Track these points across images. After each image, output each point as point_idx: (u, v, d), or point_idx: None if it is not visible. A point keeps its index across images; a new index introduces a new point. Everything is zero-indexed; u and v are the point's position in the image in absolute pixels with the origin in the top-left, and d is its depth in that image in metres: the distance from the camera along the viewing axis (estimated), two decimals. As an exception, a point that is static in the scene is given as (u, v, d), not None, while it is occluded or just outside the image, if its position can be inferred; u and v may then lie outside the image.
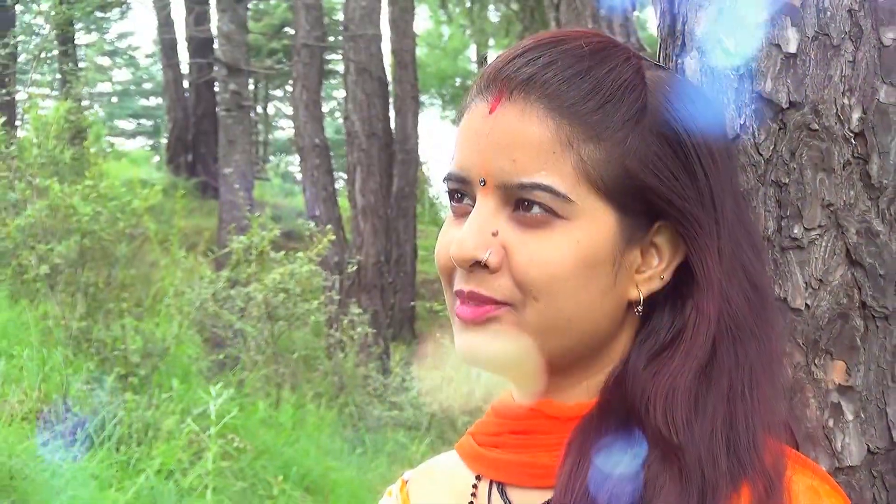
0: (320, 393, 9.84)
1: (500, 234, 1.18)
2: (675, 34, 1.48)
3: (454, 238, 1.20)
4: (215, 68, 16.06)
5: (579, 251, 1.17)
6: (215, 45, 16.15)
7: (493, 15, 21.15)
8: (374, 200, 14.86)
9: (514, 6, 17.40)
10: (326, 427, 8.94)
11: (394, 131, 16.34)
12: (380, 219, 14.93)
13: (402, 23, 17.35)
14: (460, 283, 1.20)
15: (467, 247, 1.17)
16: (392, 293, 15.50)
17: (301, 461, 7.80)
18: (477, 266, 1.18)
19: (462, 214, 1.22)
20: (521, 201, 1.17)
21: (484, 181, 1.19)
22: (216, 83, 17.16)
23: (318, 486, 7.58)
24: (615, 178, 1.18)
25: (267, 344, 9.71)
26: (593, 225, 1.18)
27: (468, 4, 18.19)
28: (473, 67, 33.41)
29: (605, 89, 1.19)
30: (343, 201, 15.72)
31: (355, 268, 13.54)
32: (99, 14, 26.75)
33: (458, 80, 33.62)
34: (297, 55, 15.51)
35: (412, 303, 16.34)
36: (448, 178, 1.25)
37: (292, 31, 17.68)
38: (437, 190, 24.63)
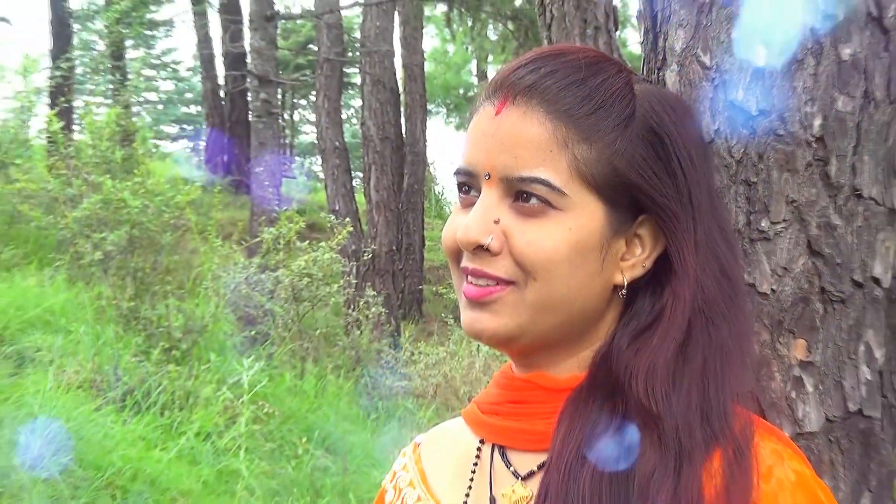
0: (339, 365, 9.84)
1: (501, 221, 1.18)
2: (657, 50, 1.49)
3: (461, 224, 1.20)
4: (248, 80, 16.00)
5: (571, 238, 1.16)
6: (248, 60, 16.08)
7: (492, 34, 21.11)
8: (387, 196, 14.82)
9: (511, 26, 17.36)
10: (344, 395, 8.94)
11: (404, 135, 16.29)
12: (391, 212, 14.89)
13: (412, 40, 17.32)
14: (466, 262, 1.21)
15: (472, 232, 1.17)
16: (402, 278, 15.47)
17: (322, 425, 7.80)
18: (480, 249, 1.18)
19: (468, 205, 1.22)
20: (520, 193, 1.17)
21: (489, 175, 1.19)
22: (249, 93, 17.12)
23: (337, 447, 7.58)
24: (605, 176, 1.17)
25: (293, 322, 9.72)
26: (584, 216, 1.17)
27: (470, 24, 18.13)
28: (474, 80, 33.32)
29: (598, 97, 1.19)
30: (359, 197, 15.68)
31: (370, 255, 13.55)
32: (147, 32, 26.77)
33: (461, 91, 33.52)
34: (319, 69, 15.47)
35: (420, 287, 16.30)
36: (457, 173, 1.24)
37: (316, 48, 17.63)
38: (443, 187, 24.59)
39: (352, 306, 11.00)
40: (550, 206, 1.17)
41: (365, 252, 13.41)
